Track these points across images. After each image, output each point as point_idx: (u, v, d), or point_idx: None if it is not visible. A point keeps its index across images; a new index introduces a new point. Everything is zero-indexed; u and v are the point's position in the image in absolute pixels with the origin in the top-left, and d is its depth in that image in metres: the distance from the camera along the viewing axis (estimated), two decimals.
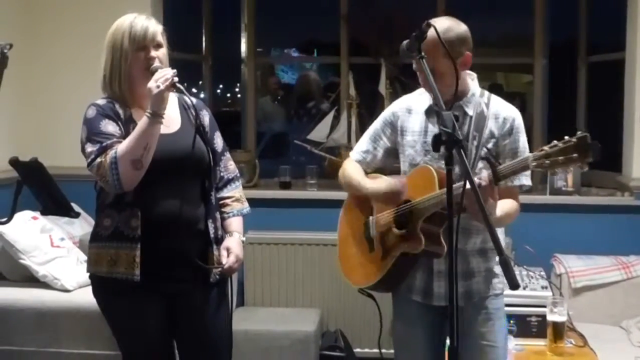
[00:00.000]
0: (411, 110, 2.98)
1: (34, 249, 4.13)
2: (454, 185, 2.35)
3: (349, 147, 5.54)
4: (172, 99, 2.99)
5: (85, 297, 4.05)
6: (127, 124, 2.89)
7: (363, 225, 3.07)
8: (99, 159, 2.78)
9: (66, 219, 4.70)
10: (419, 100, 2.98)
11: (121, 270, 2.85)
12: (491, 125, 2.85)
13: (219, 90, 9.31)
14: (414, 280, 2.95)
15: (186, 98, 3.00)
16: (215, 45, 6.12)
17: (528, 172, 2.79)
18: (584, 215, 4.99)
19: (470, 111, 2.85)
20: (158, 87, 2.74)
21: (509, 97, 4.29)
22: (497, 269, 2.95)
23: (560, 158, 2.33)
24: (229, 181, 3.17)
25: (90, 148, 2.84)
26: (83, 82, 5.15)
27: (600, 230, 4.96)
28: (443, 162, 2.72)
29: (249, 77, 5.94)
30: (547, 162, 2.38)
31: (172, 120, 2.96)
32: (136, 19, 2.95)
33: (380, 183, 2.93)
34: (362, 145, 3.13)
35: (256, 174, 5.50)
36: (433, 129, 2.87)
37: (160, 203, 2.86)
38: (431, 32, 2.59)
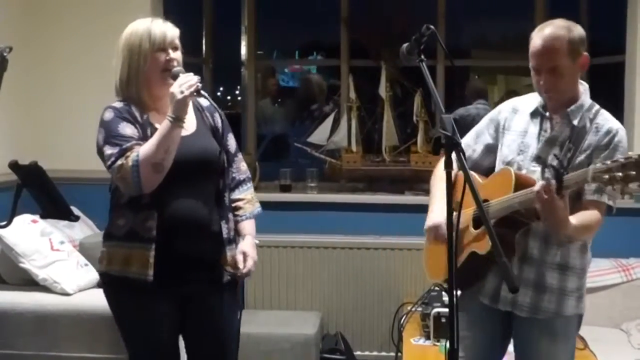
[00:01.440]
0: (517, 110, 2.95)
1: (33, 253, 4.12)
2: (524, 190, 2.45)
3: (349, 150, 5.56)
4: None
5: (86, 301, 4.05)
6: (145, 127, 2.91)
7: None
8: (119, 162, 2.78)
9: (66, 222, 4.69)
10: (527, 101, 2.95)
11: (134, 270, 2.87)
12: (590, 139, 2.76)
13: (219, 93, 9.33)
14: (485, 282, 2.91)
15: (199, 100, 3.04)
16: (216, 48, 6.13)
17: (613, 193, 2.68)
18: None
19: (575, 122, 2.78)
20: (182, 92, 2.75)
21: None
22: (577, 291, 2.86)
23: (619, 174, 2.30)
24: (241, 182, 3.18)
25: (109, 150, 2.84)
26: (83, 85, 5.21)
27: (600, 233, 4.91)
28: (535, 164, 2.79)
29: (249, 79, 5.94)
30: (606, 177, 2.34)
31: (187, 122, 2.95)
32: (154, 22, 2.98)
33: (436, 216, 2.90)
34: (465, 139, 3.07)
35: (256, 177, 5.50)
36: (533, 131, 2.86)
37: (176, 204, 2.89)
38: (556, 32, 2.67)
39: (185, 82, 2.78)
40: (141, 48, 2.90)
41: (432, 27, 2.50)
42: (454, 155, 2.85)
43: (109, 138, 2.86)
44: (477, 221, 2.83)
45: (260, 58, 6.53)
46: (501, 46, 7.05)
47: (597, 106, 2.85)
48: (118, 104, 2.96)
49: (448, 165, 2.26)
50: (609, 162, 2.36)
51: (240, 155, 3.22)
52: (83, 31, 5.17)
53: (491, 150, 3.01)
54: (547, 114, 2.84)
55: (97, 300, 4.03)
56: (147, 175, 2.75)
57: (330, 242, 5.03)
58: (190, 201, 2.91)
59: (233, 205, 3.13)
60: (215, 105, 3.04)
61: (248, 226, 3.14)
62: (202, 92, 2.82)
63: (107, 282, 3.04)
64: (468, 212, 2.87)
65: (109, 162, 2.83)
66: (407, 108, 5.63)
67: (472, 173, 2.97)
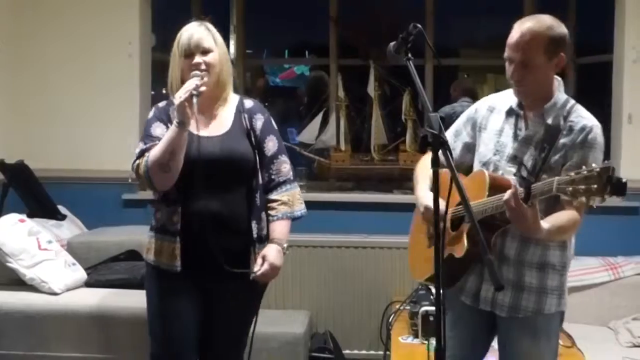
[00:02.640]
0: (494, 108, 2.93)
1: (21, 252, 4.11)
2: (499, 195, 2.45)
3: (338, 149, 5.56)
4: (230, 103, 3.17)
5: (73, 300, 4.04)
6: None
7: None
8: (137, 161, 3.00)
9: (54, 221, 4.69)
10: (503, 99, 2.93)
11: (164, 261, 3.06)
12: (565, 137, 2.72)
13: None
14: (466, 283, 2.90)
15: (245, 101, 3.20)
16: None
17: None
18: None
19: (549, 120, 2.75)
20: (180, 97, 2.88)
21: None
22: (557, 289, 2.84)
23: (582, 187, 2.28)
24: (280, 184, 3.20)
25: (137, 149, 3.05)
26: (71, 85, 5.20)
27: (588, 232, 4.92)
28: (511, 164, 2.78)
29: (238, 78, 5.93)
30: (570, 189, 2.32)
31: (222, 123, 3.12)
32: (187, 26, 3.11)
33: (427, 199, 2.83)
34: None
35: None
36: (509, 130, 2.84)
37: (200, 201, 3.00)
38: (536, 28, 2.65)
39: (184, 88, 2.90)
40: (176, 54, 3.07)
41: (419, 25, 2.49)
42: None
43: (143, 136, 3.10)
44: (455, 223, 2.83)
45: (249, 57, 6.53)
46: (490, 45, 7.06)
47: (572, 102, 2.81)
48: (161, 104, 3.18)
49: (435, 164, 2.25)
50: (572, 173, 2.33)
51: (283, 158, 3.23)
52: (73, 31, 5.17)
53: (470, 149, 3.00)
54: (522, 112, 2.83)
55: (85, 299, 4.05)
56: (155, 175, 2.94)
57: (319, 241, 5.02)
58: (215, 198, 3.02)
59: (268, 205, 3.18)
60: (251, 101, 3.22)
61: (278, 228, 3.16)
62: (194, 92, 2.88)
63: (146, 269, 3.21)
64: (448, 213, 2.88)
65: (134, 159, 3.04)
66: (395, 107, 5.65)
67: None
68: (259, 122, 3.18)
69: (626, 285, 4.56)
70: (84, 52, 5.17)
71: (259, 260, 3.07)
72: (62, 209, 4.89)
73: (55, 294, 4.09)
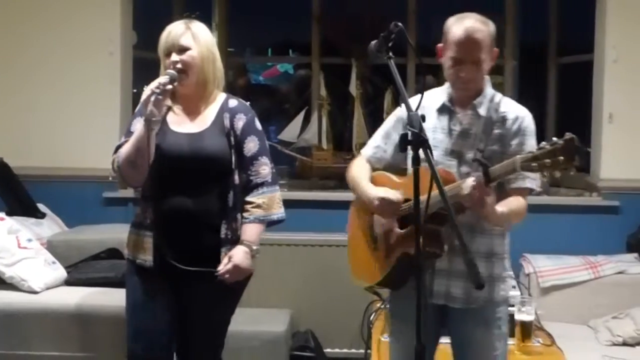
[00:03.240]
0: (423, 107, 2.82)
1: (0, 251, 4.08)
2: (449, 186, 2.43)
3: (320, 147, 5.56)
4: (216, 102, 3.17)
5: (54, 299, 4.02)
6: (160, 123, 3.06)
7: (369, 223, 3.04)
8: (114, 156, 3.05)
9: (33, 219, 4.67)
10: (432, 97, 2.95)
11: (139, 256, 3.11)
12: (499, 127, 2.81)
13: None
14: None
15: (230, 100, 3.19)
16: None
17: (534, 176, 2.74)
18: (552, 216, 5.02)
19: (482, 112, 2.83)
20: (144, 95, 2.91)
21: None
22: (503, 276, 2.92)
23: (547, 161, 2.32)
24: (257, 186, 3.18)
25: (117, 144, 3.10)
26: (52, 83, 5.17)
27: (569, 231, 5.00)
28: (450, 158, 2.82)
29: None
30: (535, 164, 2.36)
31: (203, 122, 3.12)
32: (171, 25, 3.11)
33: (377, 191, 2.87)
34: (374, 140, 3.11)
35: None
36: (443, 126, 2.87)
37: (172, 197, 3.02)
38: (479, 25, 2.71)
39: (149, 86, 2.91)
40: (160, 53, 3.09)
41: (400, 24, 2.50)
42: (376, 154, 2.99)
43: (125, 132, 3.13)
44: (403, 221, 2.84)
45: (232, 55, 6.52)
46: None
47: (499, 95, 2.90)
48: None
49: (415, 162, 2.26)
50: (534, 150, 2.39)
51: (263, 159, 3.20)
52: (52, 27, 5.14)
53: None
54: (455, 108, 2.87)
55: (65, 298, 4.03)
56: (125, 171, 2.99)
57: (301, 239, 5.02)
58: (186, 196, 3.03)
59: (244, 207, 3.17)
60: (236, 101, 3.21)
61: (248, 231, 3.15)
62: (156, 91, 2.87)
63: (126, 265, 3.24)
64: None
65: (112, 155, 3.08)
66: (377, 106, 5.65)
67: (386, 173, 3.01)
68: (240, 122, 3.16)
69: (606, 284, 4.58)
70: (64, 49, 5.14)
71: (225, 260, 3.06)
72: (42, 207, 4.87)
73: (35, 292, 4.06)
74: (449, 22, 2.81)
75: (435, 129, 2.89)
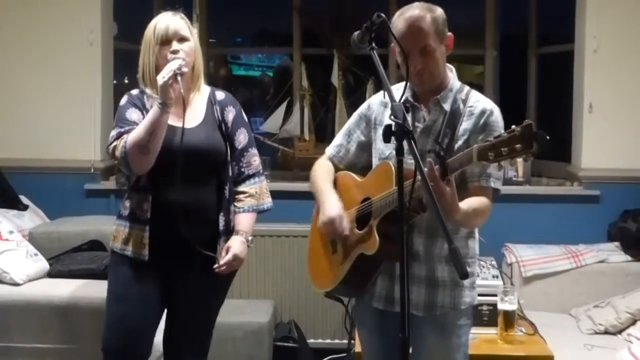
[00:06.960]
0: (387, 103, 2.84)
1: None
2: (409, 181, 2.32)
3: (302, 138, 5.56)
4: (202, 94, 3.21)
5: (35, 291, 4.00)
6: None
7: None
8: (114, 143, 3.01)
9: (15, 211, 4.64)
10: (396, 93, 2.91)
11: (131, 249, 3.10)
12: (466, 122, 2.72)
13: None
14: (375, 287, 2.83)
15: (217, 93, 3.24)
16: None
17: (499, 175, 2.69)
18: (534, 205, 5.05)
19: (446, 106, 2.74)
20: (163, 78, 2.89)
21: None
22: (469, 281, 2.81)
23: (504, 149, 2.25)
24: (249, 177, 3.26)
25: (113, 132, 3.06)
26: (32, 74, 5.14)
27: (550, 220, 5.03)
28: (410, 159, 2.73)
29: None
30: (492, 154, 2.29)
31: (195, 114, 3.14)
32: (162, 16, 3.10)
33: (331, 210, 2.80)
34: (337, 139, 3.07)
35: None
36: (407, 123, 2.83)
37: (171, 190, 3.00)
38: (419, 13, 2.66)
39: (167, 69, 2.92)
40: (150, 43, 3.06)
41: (383, 15, 2.49)
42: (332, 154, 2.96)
43: (117, 121, 3.09)
44: (361, 221, 2.78)
45: (212, 46, 6.50)
46: (454, 35, 7.08)
47: (467, 88, 2.82)
48: (134, 91, 3.18)
49: (399, 153, 2.24)
50: (491, 138, 2.32)
51: (253, 150, 3.28)
52: (33, 18, 5.11)
53: (364, 148, 2.96)
54: (417, 104, 2.80)
55: (47, 290, 4.01)
56: (133, 156, 2.93)
57: (283, 230, 5.03)
58: (185, 189, 3.03)
59: (235, 197, 3.23)
60: (222, 93, 3.27)
61: (243, 221, 3.21)
62: (178, 72, 2.91)
63: (111, 257, 3.24)
64: (350, 213, 2.84)
65: (108, 142, 3.05)
66: (359, 96, 5.65)
67: (349, 173, 2.97)
68: (230, 114, 3.22)
69: (587, 273, 4.61)
70: (44, 40, 5.11)
71: (223, 252, 3.11)
72: (23, 199, 4.85)
73: (17, 284, 4.04)
74: (393, 18, 2.73)
75: None
